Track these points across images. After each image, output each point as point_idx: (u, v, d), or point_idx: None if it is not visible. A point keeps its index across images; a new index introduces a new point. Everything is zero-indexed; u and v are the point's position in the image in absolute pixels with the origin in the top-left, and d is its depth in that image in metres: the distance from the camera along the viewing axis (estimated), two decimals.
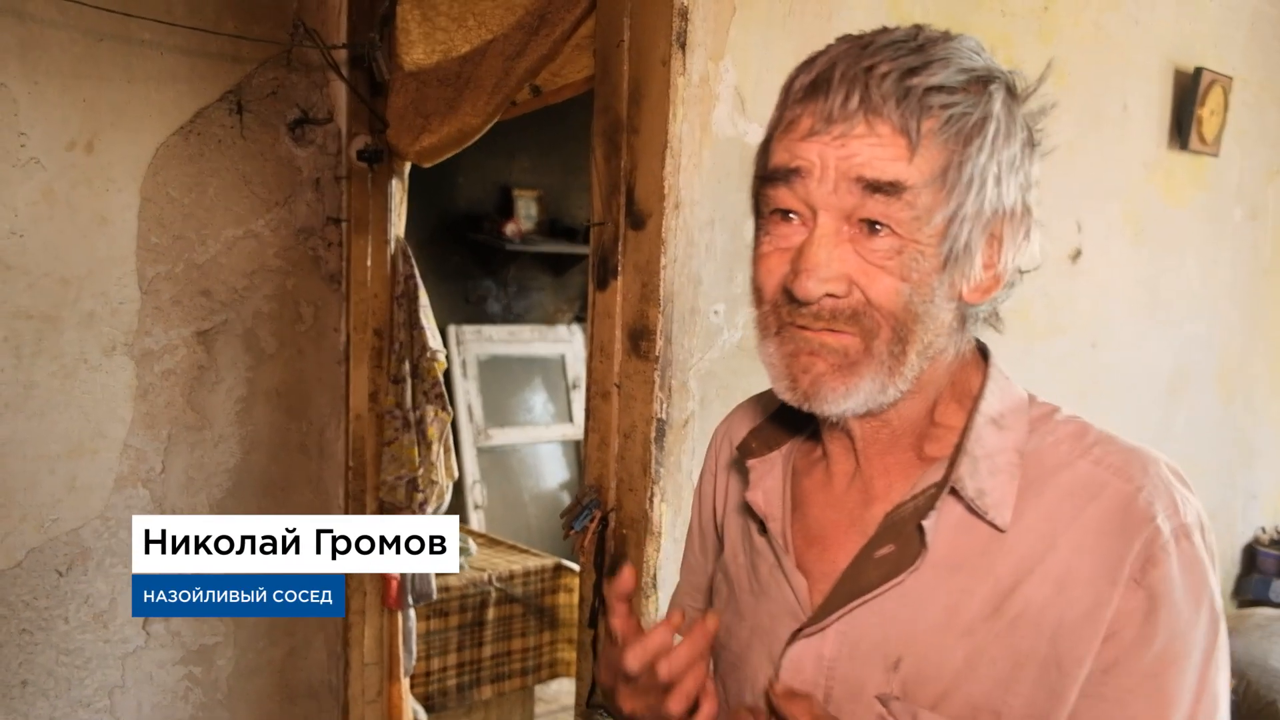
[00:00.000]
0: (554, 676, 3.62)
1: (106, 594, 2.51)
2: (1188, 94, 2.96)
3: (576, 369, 4.87)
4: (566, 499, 4.75)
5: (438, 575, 3.08)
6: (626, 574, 0.99)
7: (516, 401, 4.74)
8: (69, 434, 2.42)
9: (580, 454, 4.80)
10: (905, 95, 0.83)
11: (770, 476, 1.05)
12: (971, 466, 0.90)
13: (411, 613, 2.97)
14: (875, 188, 0.84)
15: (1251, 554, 3.63)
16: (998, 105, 0.87)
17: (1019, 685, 0.87)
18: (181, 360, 2.56)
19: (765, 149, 0.92)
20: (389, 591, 2.89)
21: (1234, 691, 2.99)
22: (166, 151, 2.49)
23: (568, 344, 4.90)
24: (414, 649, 3.00)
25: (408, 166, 2.77)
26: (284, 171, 2.69)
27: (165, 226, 2.51)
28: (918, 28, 0.89)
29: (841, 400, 0.89)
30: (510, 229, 4.46)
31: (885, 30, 0.89)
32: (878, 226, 0.85)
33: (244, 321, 2.66)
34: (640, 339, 1.88)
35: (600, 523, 1.98)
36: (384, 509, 2.86)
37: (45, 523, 2.42)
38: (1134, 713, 0.84)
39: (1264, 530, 3.68)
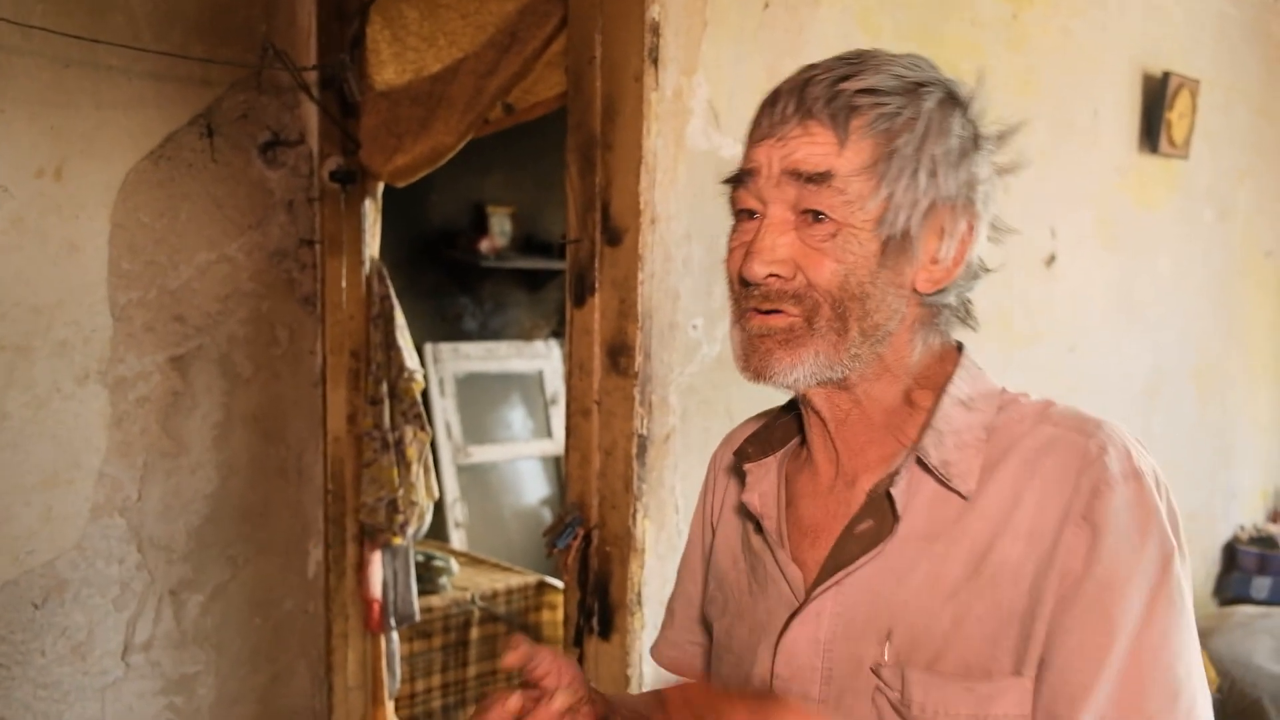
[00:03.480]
0: None
1: (84, 625, 2.48)
2: (1156, 98, 2.99)
3: (554, 385, 4.85)
4: (547, 515, 4.74)
5: (420, 596, 3.06)
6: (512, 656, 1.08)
7: (495, 418, 4.72)
8: (43, 464, 2.39)
9: (560, 470, 4.79)
10: (834, 98, 0.94)
11: (766, 480, 1.12)
12: (936, 439, 0.97)
13: (394, 635, 2.95)
14: (809, 178, 0.94)
15: (1232, 552, 3.65)
16: (930, 105, 0.96)
17: (1006, 641, 0.92)
18: (156, 387, 2.54)
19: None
20: (371, 615, 2.86)
21: (1218, 690, 3.00)
22: (137, 177, 2.47)
23: (545, 359, 4.89)
24: (398, 671, 2.98)
25: (381, 186, 2.75)
26: (256, 194, 2.67)
27: (137, 252, 2.48)
28: (867, 50, 1.00)
29: (788, 371, 0.98)
30: (485, 246, 4.44)
31: (839, 54, 0.99)
32: (820, 215, 0.95)
33: (219, 346, 2.64)
34: (619, 355, 1.87)
35: (583, 540, 1.97)
36: (364, 531, 2.84)
37: (20, 555, 2.38)
38: (1078, 640, 0.89)
39: (1243, 528, 3.70)
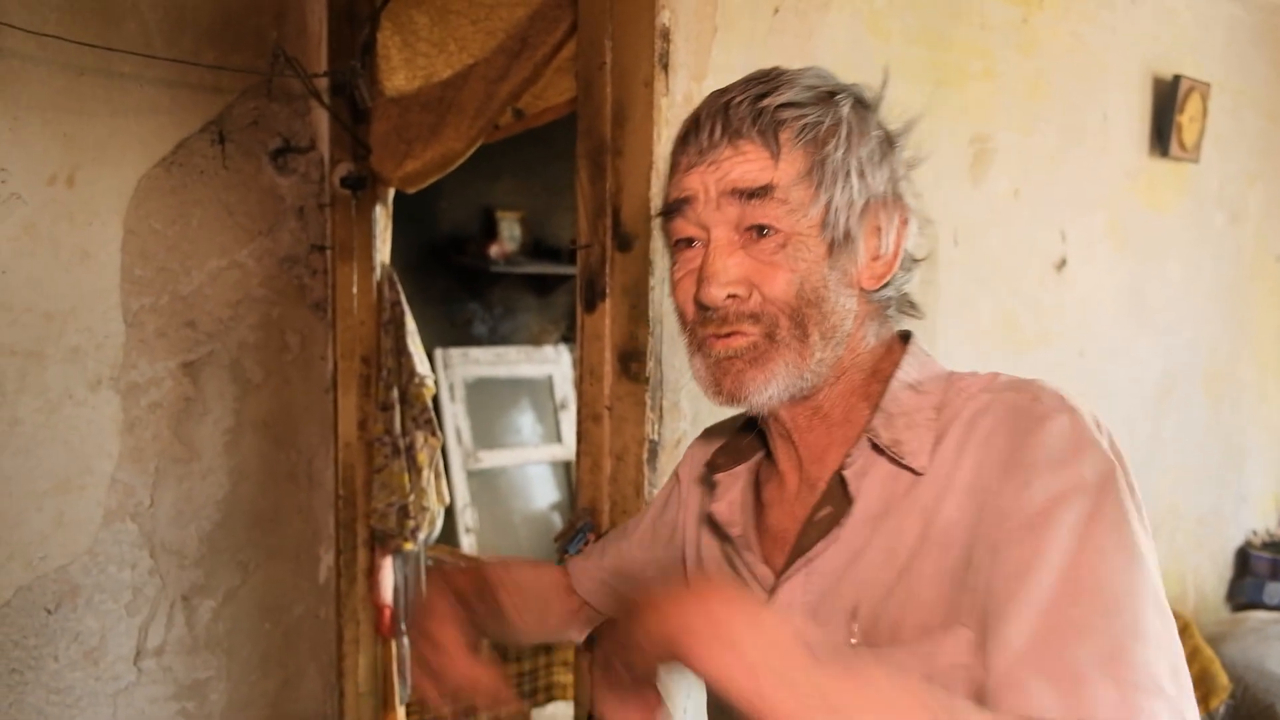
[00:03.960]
0: (550, 700, 3.60)
1: (96, 631, 2.49)
2: (1166, 101, 2.98)
3: (564, 389, 4.85)
4: (557, 520, 4.74)
5: None
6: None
7: (504, 423, 4.72)
8: (55, 470, 2.40)
9: (570, 474, 4.79)
10: (759, 115, 0.97)
11: (734, 489, 1.14)
12: (886, 420, 1.00)
13: (405, 640, 2.95)
14: (750, 194, 0.97)
15: (1244, 557, 3.64)
16: (846, 110, 0.99)
17: (949, 595, 0.92)
18: (168, 393, 2.55)
19: (664, 195, 1.05)
20: (382, 620, 2.87)
21: (1231, 696, 2.99)
22: (149, 183, 2.48)
23: (554, 364, 4.89)
24: (409, 677, 2.98)
25: (391, 192, 2.76)
26: (267, 200, 2.68)
27: (149, 259, 2.49)
28: (773, 68, 1.03)
29: (763, 389, 1.00)
30: (494, 251, 4.44)
31: (744, 76, 1.03)
32: (765, 230, 0.97)
33: (230, 352, 2.64)
34: (630, 360, 1.87)
35: None
36: (375, 537, 2.84)
37: (33, 560, 2.39)
38: (1008, 568, 0.87)
39: (1255, 533, 3.69)
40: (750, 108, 0.97)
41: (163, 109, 2.49)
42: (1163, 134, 3.00)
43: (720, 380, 1.01)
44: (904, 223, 1.04)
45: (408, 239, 3.42)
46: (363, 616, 2.89)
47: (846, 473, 1.00)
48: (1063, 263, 2.76)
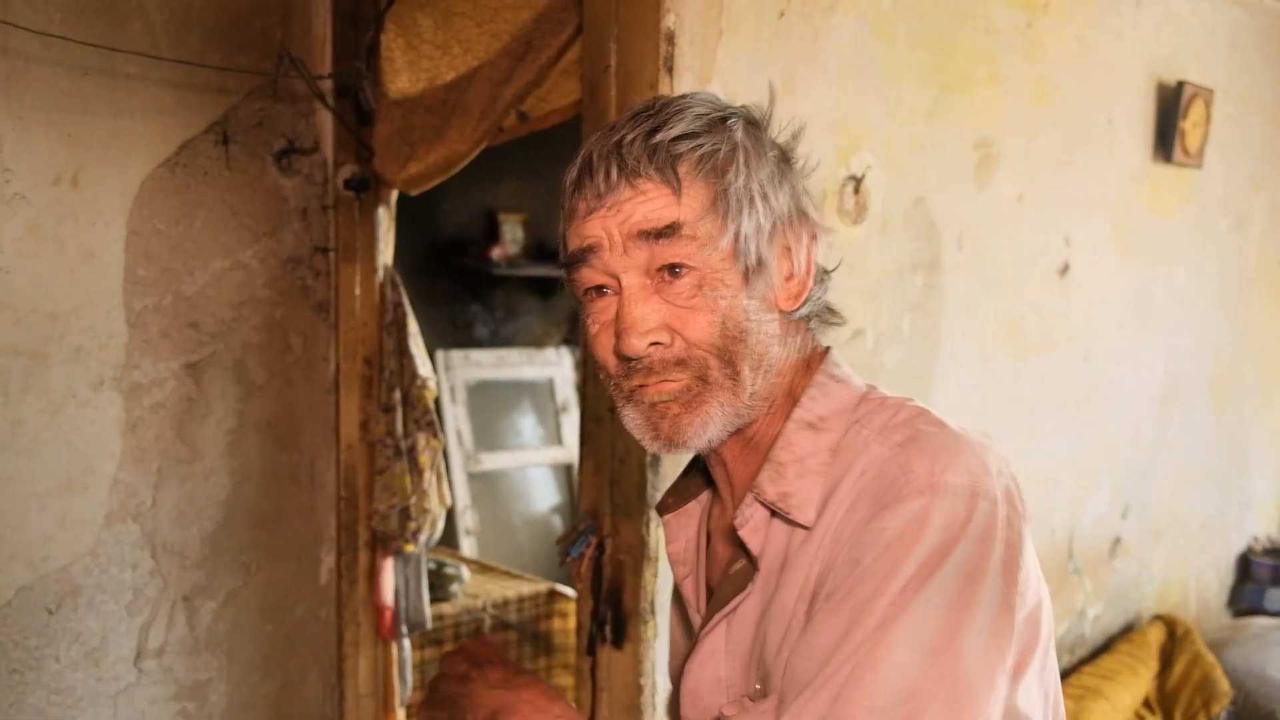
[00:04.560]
0: None
1: (98, 631, 2.49)
2: (1170, 107, 2.98)
3: (565, 392, 4.86)
4: (558, 522, 4.74)
5: (432, 603, 3.06)
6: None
7: (506, 426, 4.72)
8: (58, 470, 2.40)
9: (571, 477, 4.79)
10: (654, 151, 0.93)
11: (689, 526, 1.15)
12: (775, 472, 0.97)
13: (406, 642, 2.95)
14: (657, 234, 0.93)
15: (1246, 563, 3.64)
16: (740, 134, 0.97)
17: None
18: (170, 393, 2.54)
19: (563, 243, 1.03)
20: (383, 622, 2.86)
21: (1232, 702, 2.98)
22: (153, 184, 2.48)
23: (556, 367, 4.89)
24: (409, 679, 2.98)
25: (394, 194, 2.76)
26: (271, 202, 2.68)
27: (152, 259, 2.49)
28: (655, 98, 1.01)
29: (701, 432, 0.97)
30: (496, 253, 4.45)
31: (628, 110, 1.00)
32: (677, 269, 0.94)
33: (233, 353, 2.64)
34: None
35: (597, 549, 1.97)
36: (377, 538, 2.84)
37: (35, 560, 2.39)
38: (815, 636, 0.87)
39: (1257, 539, 3.69)
40: (644, 144, 0.94)
41: (167, 110, 2.49)
42: (1166, 139, 3.00)
43: (657, 425, 0.98)
44: (812, 238, 1.02)
45: (410, 241, 3.42)
46: (364, 618, 2.89)
47: (741, 532, 0.98)
48: (1066, 268, 2.75)
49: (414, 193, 2.58)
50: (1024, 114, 2.58)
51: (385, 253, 2.81)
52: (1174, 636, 3.10)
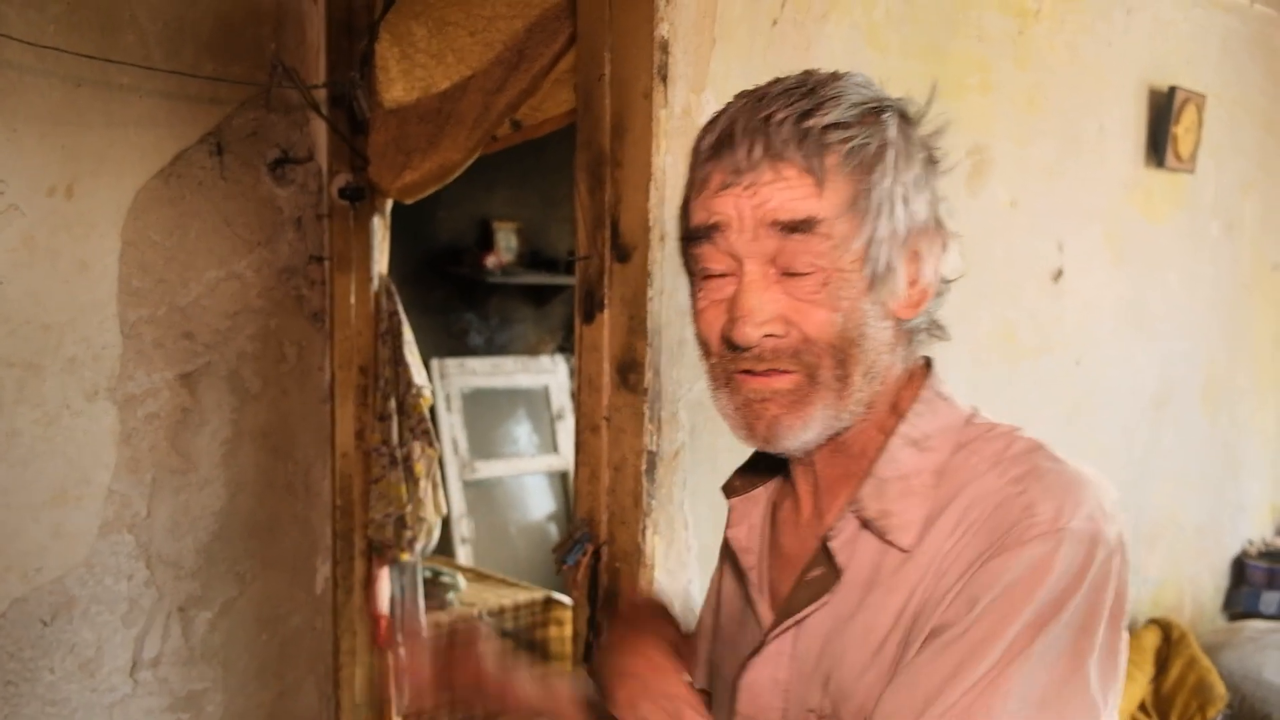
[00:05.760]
0: None
1: (92, 642, 2.48)
2: (1162, 112, 2.99)
3: (560, 400, 4.85)
4: (553, 530, 4.73)
5: (428, 612, 3.06)
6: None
7: (501, 434, 4.72)
8: (52, 481, 2.40)
9: (566, 485, 4.79)
10: (804, 137, 0.88)
11: (753, 513, 1.10)
12: (877, 488, 0.94)
13: (402, 651, 2.94)
14: (791, 228, 0.89)
15: (1240, 567, 3.64)
16: (893, 131, 0.92)
17: None
18: (165, 403, 2.54)
19: (685, 211, 0.97)
20: (379, 631, 2.86)
21: (1228, 706, 2.99)
22: (147, 195, 2.48)
23: (551, 375, 4.89)
24: (406, 688, 2.97)
25: (389, 203, 2.76)
26: (265, 211, 2.68)
27: (147, 270, 2.49)
28: (807, 73, 0.95)
29: (799, 435, 0.94)
30: (491, 261, 4.45)
31: (778, 80, 0.94)
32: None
33: (227, 363, 2.64)
34: (629, 371, 1.88)
35: (593, 557, 1.97)
36: (372, 547, 2.84)
37: (29, 572, 2.38)
38: (924, 686, 0.85)
39: (1252, 542, 3.69)
40: (794, 127, 0.89)
41: (161, 120, 2.49)
42: (1158, 145, 3.00)
43: (753, 423, 0.95)
44: (944, 248, 0.97)
45: (405, 250, 3.42)
46: (359, 627, 2.88)
47: (832, 544, 0.95)
48: (1060, 273, 2.76)
49: (408, 201, 2.59)
50: (1016, 121, 2.59)
51: (380, 261, 2.81)
52: (1169, 640, 3.10)
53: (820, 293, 0.90)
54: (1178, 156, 3.05)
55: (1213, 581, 3.58)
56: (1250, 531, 3.70)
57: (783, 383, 0.93)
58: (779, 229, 0.89)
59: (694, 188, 0.95)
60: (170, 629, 2.60)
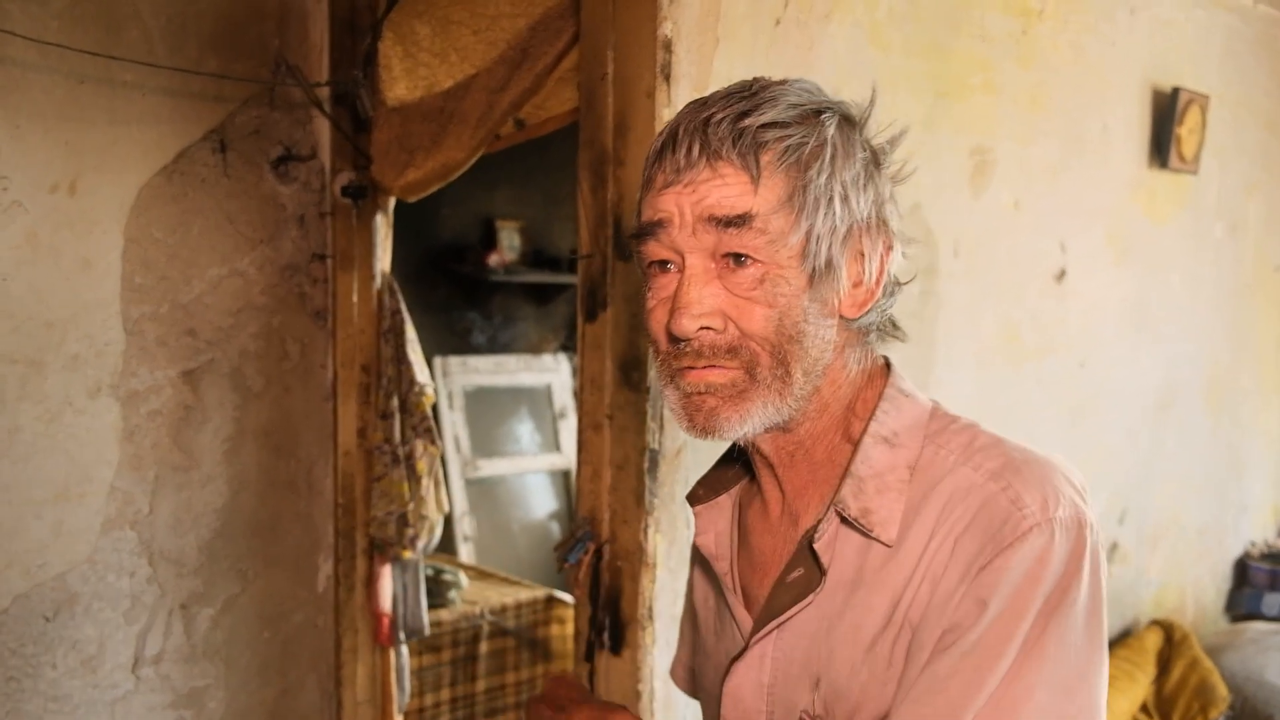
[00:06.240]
0: None
1: (95, 639, 2.48)
2: (1166, 113, 2.99)
3: (563, 398, 4.86)
4: (556, 529, 4.73)
5: (430, 610, 3.06)
6: None
7: (503, 432, 4.72)
8: (55, 478, 2.40)
9: (568, 483, 4.79)
10: (740, 135, 0.91)
11: (720, 520, 1.12)
12: (856, 487, 0.96)
13: (404, 649, 2.95)
14: (727, 222, 0.91)
15: (1243, 568, 3.64)
16: (831, 130, 0.94)
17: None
18: (167, 401, 2.54)
19: (637, 211, 1.01)
20: (381, 628, 2.86)
21: (1230, 707, 2.99)
22: (150, 192, 2.48)
23: (554, 373, 4.89)
24: (407, 686, 2.98)
25: (392, 201, 2.76)
26: (268, 209, 2.68)
27: (149, 267, 2.49)
28: (754, 79, 0.98)
29: (737, 427, 0.96)
30: (494, 260, 4.45)
31: (726, 87, 0.98)
32: (742, 258, 0.92)
33: (230, 360, 2.64)
34: (631, 370, 1.88)
35: (594, 555, 1.97)
36: (374, 545, 2.84)
37: (32, 568, 2.39)
38: (943, 685, 0.87)
39: (1254, 544, 3.69)
40: (731, 127, 0.92)
41: (164, 117, 2.49)
42: (1162, 146, 3.00)
43: (693, 415, 0.97)
44: (888, 248, 0.99)
45: (408, 248, 3.42)
46: (361, 625, 2.88)
47: (816, 545, 0.96)
48: (1063, 274, 2.76)
49: (411, 200, 2.59)
50: (1020, 121, 2.59)
51: (383, 259, 2.81)
52: (1171, 641, 3.10)
53: (758, 289, 0.93)
54: (1181, 157, 3.05)
55: (1215, 583, 3.58)
56: (1253, 533, 3.70)
57: (720, 376, 0.95)
58: (716, 224, 0.92)
59: (643, 188, 0.99)
60: (172, 626, 2.60)
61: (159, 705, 2.60)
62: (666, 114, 1.81)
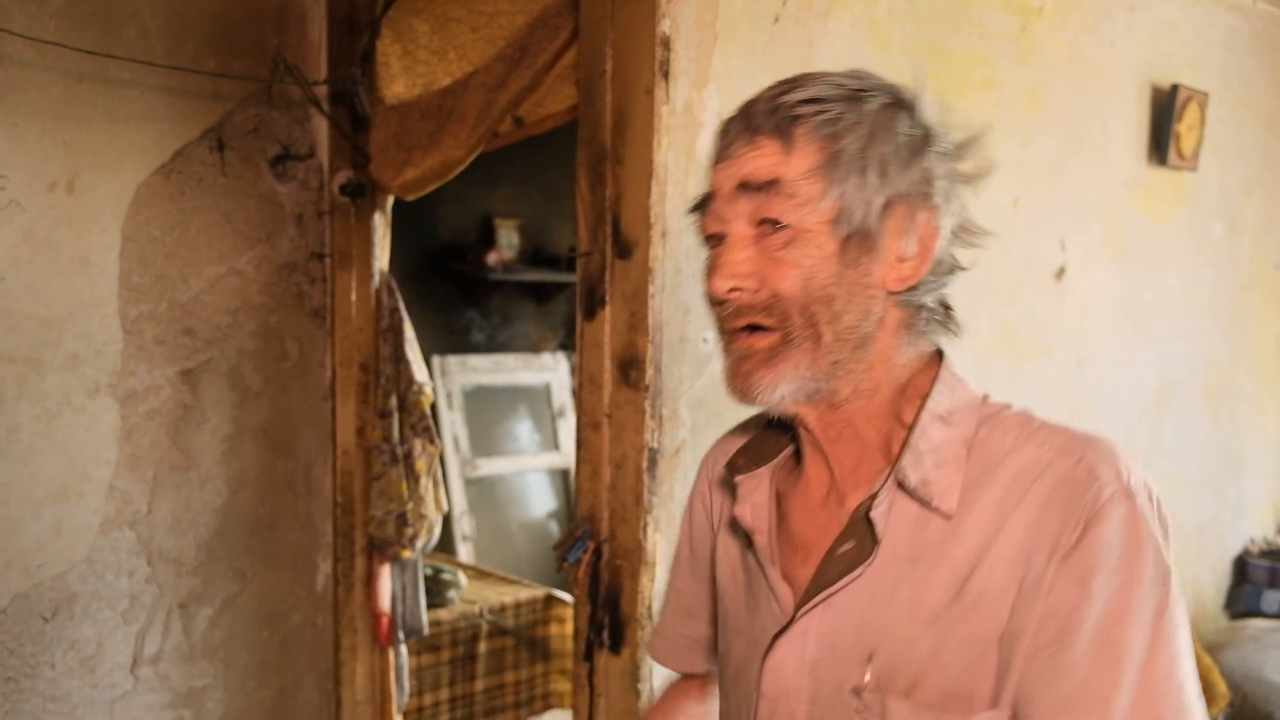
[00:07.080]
0: (548, 709, 3.59)
1: (93, 639, 2.48)
2: (1165, 111, 2.99)
3: (562, 397, 4.85)
4: (554, 528, 4.73)
5: (429, 609, 3.06)
6: None
7: (502, 431, 4.72)
8: (53, 477, 2.40)
9: (567, 482, 4.79)
10: (776, 110, 0.97)
11: (758, 492, 1.12)
12: (915, 459, 0.97)
13: (403, 649, 2.95)
14: (757, 188, 0.96)
15: (1242, 566, 3.64)
16: (872, 107, 0.97)
17: (984, 669, 0.91)
18: (166, 400, 2.54)
19: None
20: (380, 628, 2.86)
21: (1229, 704, 2.99)
22: (148, 191, 2.48)
23: (552, 372, 4.89)
24: (406, 685, 2.98)
25: (390, 200, 2.76)
26: (266, 208, 2.68)
27: (147, 266, 2.49)
28: (810, 72, 1.02)
29: (771, 389, 0.99)
30: (492, 258, 4.45)
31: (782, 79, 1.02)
32: (775, 223, 0.96)
33: (228, 359, 2.64)
34: (630, 368, 1.87)
35: (594, 554, 1.96)
36: (373, 545, 2.83)
37: (30, 568, 2.38)
38: (1082, 680, 0.86)
39: (1253, 541, 3.69)
40: (769, 104, 0.97)
41: (162, 116, 2.49)
42: (1161, 143, 3.00)
43: (733, 379, 1.01)
44: (931, 224, 0.99)
45: (406, 246, 3.42)
46: (360, 624, 2.88)
47: (873, 514, 0.97)
48: (1061, 272, 2.76)
49: (410, 198, 2.58)
50: (1018, 119, 2.59)
51: (381, 258, 2.81)
52: None
53: (787, 250, 0.96)
54: (1180, 155, 3.05)
55: (1214, 581, 3.58)
56: (1251, 530, 3.70)
57: (761, 341, 0.99)
58: (749, 191, 0.97)
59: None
60: (171, 625, 2.60)
61: (158, 705, 2.59)
62: (665, 111, 1.81)
